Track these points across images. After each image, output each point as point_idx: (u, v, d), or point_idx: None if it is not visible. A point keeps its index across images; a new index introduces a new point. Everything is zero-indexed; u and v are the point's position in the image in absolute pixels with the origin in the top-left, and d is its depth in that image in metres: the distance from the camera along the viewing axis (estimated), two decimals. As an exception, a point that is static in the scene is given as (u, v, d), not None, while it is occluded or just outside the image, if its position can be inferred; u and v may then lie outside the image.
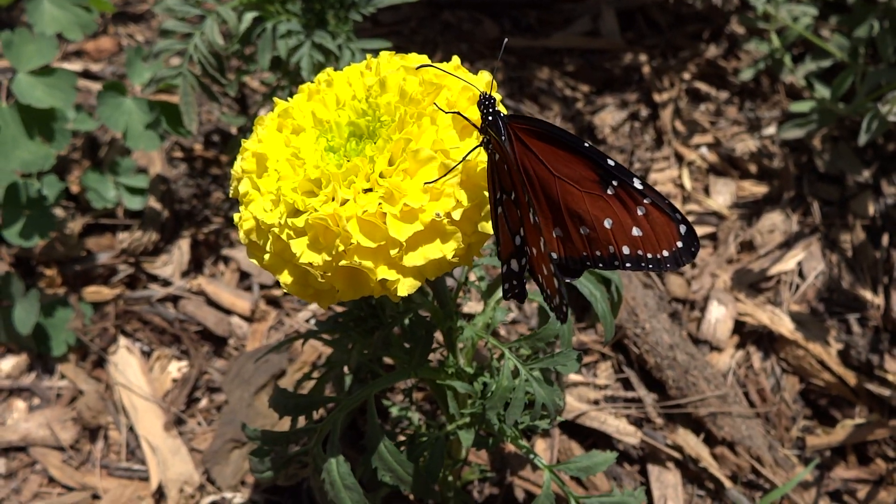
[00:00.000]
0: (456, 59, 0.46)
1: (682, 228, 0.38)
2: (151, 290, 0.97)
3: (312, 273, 0.40)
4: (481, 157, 0.41)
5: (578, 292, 0.94)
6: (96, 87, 1.18)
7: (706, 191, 1.14)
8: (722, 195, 1.13)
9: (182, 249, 1.01)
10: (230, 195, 0.47)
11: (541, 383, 0.53)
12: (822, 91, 1.09)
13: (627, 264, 0.39)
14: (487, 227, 0.42)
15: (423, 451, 0.55)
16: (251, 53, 0.93)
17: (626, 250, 0.39)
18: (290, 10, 0.87)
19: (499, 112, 0.39)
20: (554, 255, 0.40)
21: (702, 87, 1.29)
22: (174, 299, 0.97)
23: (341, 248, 0.39)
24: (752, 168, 1.16)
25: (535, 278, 0.42)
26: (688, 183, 1.14)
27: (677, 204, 1.12)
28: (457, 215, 0.40)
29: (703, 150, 1.19)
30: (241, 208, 0.44)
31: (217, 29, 0.83)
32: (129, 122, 0.88)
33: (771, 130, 1.21)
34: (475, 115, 0.41)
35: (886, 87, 1.01)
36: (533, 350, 0.58)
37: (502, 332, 0.91)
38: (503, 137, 0.38)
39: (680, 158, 1.18)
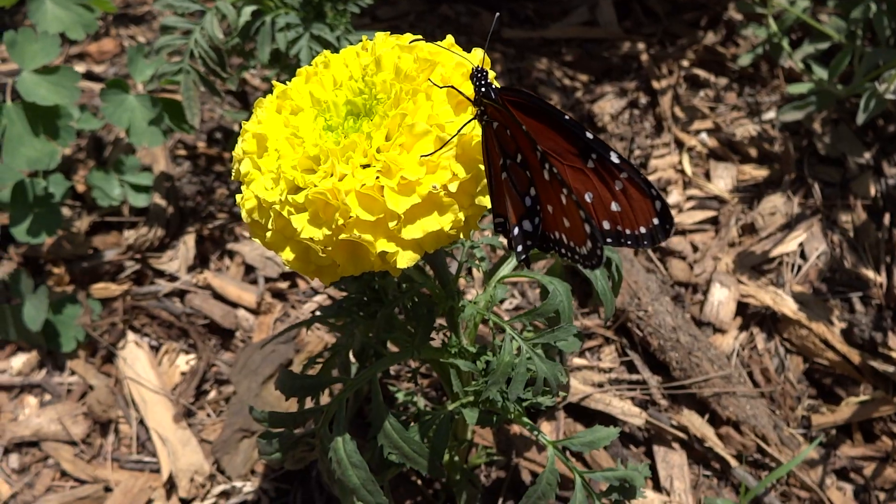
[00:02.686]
0: (450, 38, 0.46)
1: (658, 205, 0.38)
2: (158, 286, 0.98)
3: (313, 248, 0.41)
4: (476, 132, 0.42)
5: (581, 279, 0.94)
6: (99, 87, 1.20)
7: (707, 176, 1.14)
8: (723, 179, 1.13)
9: (187, 245, 1.02)
10: (232, 177, 0.48)
11: (542, 359, 0.54)
12: (820, 73, 1.09)
13: (608, 240, 0.39)
14: (485, 200, 0.42)
15: (429, 428, 0.56)
16: (251, 49, 0.94)
17: (606, 225, 0.39)
18: (288, 4, 0.88)
19: (491, 83, 0.40)
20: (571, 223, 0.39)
21: (700, 73, 1.30)
22: (181, 294, 0.98)
23: (341, 221, 0.40)
24: (753, 152, 1.17)
25: (549, 238, 0.42)
26: (688, 168, 1.15)
27: (678, 189, 1.12)
28: (453, 188, 0.40)
29: (703, 135, 1.20)
30: (243, 188, 0.45)
31: (216, 24, 0.84)
32: (132, 119, 0.89)
33: (770, 115, 1.21)
34: (469, 90, 0.41)
35: (884, 66, 1.02)
36: (534, 327, 0.59)
37: (505, 317, 0.92)
38: (501, 105, 0.39)
39: (680, 144, 1.18)
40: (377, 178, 0.40)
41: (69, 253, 1.00)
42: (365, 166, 0.41)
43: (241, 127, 1.17)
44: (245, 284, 0.99)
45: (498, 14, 0.45)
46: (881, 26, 1.09)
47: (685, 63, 1.32)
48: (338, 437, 0.53)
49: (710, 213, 1.09)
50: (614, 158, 0.38)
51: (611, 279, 0.62)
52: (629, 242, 0.39)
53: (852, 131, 1.19)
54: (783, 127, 1.19)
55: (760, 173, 1.14)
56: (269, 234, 0.43)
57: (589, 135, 0.39)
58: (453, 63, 0.43)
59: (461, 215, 0.41)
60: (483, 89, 0.39)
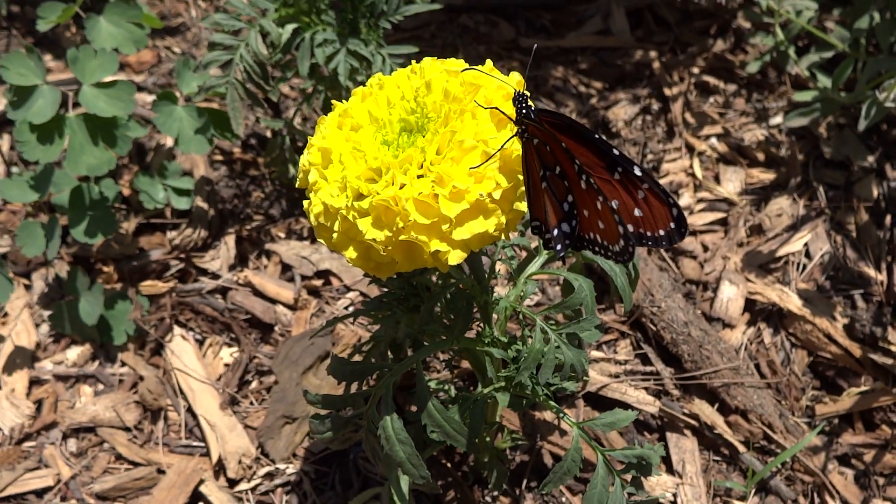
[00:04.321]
0: (489, 63, 0.53)
1: (675, 211, 0.45)
2: (202, 283, 1.05)
3: (375, 248, 0.47)
4: (515, 146, 0.48)
5: (597, 277, 1.00)
6: (140, 96, 1.27)
7: (716, 179, 1.20)
8: (732, 182, 1.19)
9: (228, 245, 1.09)
10: (297, 185, 0.55)
11: (569, 346, 0.60)
12: (824, 81, 1.14)
13: (631, 241, 0.46)
14: (522, 206, 0.49)
15: (466, 410, 0.62)
16: (287, 62, 1.01)
17: (630, 228, 0.46)
18: (324, 21, 0.94)
19: (530, 105, 0.46)
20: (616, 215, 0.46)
21: (710, 80, 1.35)
22: (223, 291, 1.05)
23: (400, 224, 0.46)
24: (760, 156, 1.22)
25: (584, 238, 0.48)
26: (699, 172, 1.21)
27: (689, 192, 1.18)
28: (497, 195, 0.47)
29: (713, 140, 1.26)
30: (311, 195, 0.51)
31: (260, 40, 0.91)
32: (180, 128, 0.96)
33: (778, 120, 1.27)
34: (510, 109, 0.48)
35: (886, 75, 1.07)
36: (555, 321, 0.65)
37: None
38: (539, 126, 0.45)
39: (691, 149, 1.24)
40: (432, 186, 0.46)
41: (117, 252, 1.07)
42: (420, 177, 0.48)
43: (273, 133, 1.23)
44: (282, 282, 1.05)
45: (536, 46, 0.51)
46: (884, 35, 1.14)
47: (696, 70, 1.38)
48: (386, 416, 0.60)
49: (719, 215, 1.15)
50: (637, 172, 0.45)
51: (628, 275, 0.68)
52: (650, 243, 0.46)
53: (857, 136, 1.25)
54: (790, 132, 1.25)
55: (768, 176, 1.20)
56: (335, 235, 0.49)
57: (616, 151, 0.45)
58: (495, 86, 0.49)
59: (503, 219, 0.47)
60: (524, 111, 0.46)
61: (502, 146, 0.47)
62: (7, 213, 1.16)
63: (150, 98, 1.29)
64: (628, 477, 0.67)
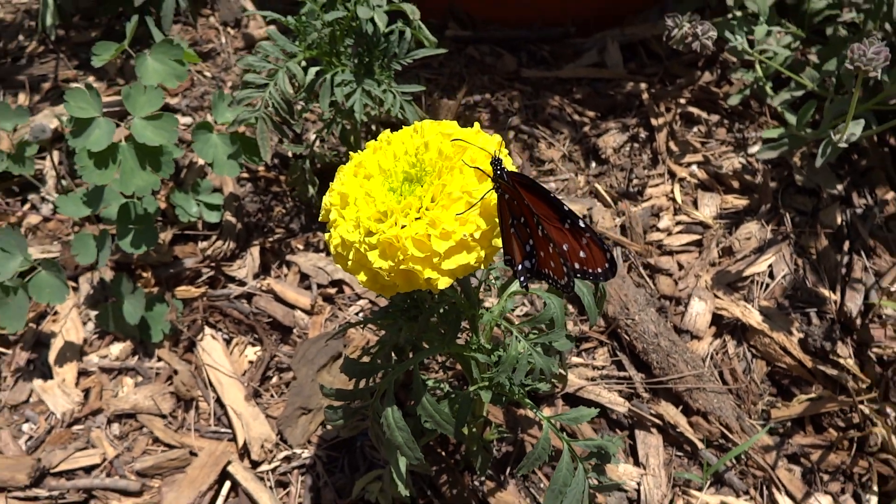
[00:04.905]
0: (477, 125, 0.65)
1: (608, 255, 0.57)
2: (230, 289, 1.18)
3: (381, 274, 0.60)
4: (493, 196, 0.61)
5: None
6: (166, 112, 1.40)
7: (695, 204, 1.32)
8: (708, 207, 1.31)
9: (253, 255, 1.22)
10: (320, 219, 0.68)
11: (540, 354, 0.73)
12: (791, 119, 1.27)
13: (577, 275, 0.59)
14: (498, 242, 0.61)
15: (455, 404, 0.75)
16: (310, 95, 1.14)
17: (576, 266, 0.58)
18: (343, 63, 1.08)
19: (504, 168, 0.59)
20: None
21: (695, 111, 1.48)
22: (248, 296, 1.18)
23: (401, 257, 0.59)
24: (735, 184, 1.35)
25: (543, 273, 0.61)
26: (679, 197, 1.33)
27: (669, 215, 1.31)
28: (477, 235, 0.59)
29: (694, 167, 1.38)
30: (331, 230, 0.64)
31: (287, 80, 1.04)
32: (215, 154, 1.09)
33: (755, 149, 1.39)
34: (489, 167, 0.61)
35: (841, 117, 1.19)
36: (538, 330, 0.78)
37: (516, 321, 1.11)
38: (510, 184, 0.58)
39: (673, 175, 1.36)
40: (426, 227, 0.59)
41: (155, 260, 1.21)
42: (417, 219, 0.60)
43: (295, 156, 1.37)
44: (301, 290, 1.19)
45: (515, 116, 0.64)
46: (848, 78, 1.26)
47: (682, 101, 1.50)
48: (388, 407, 0.73)
49: (695, 237, 1.27)
50: (581, 224, 0.57)
51: (594, 296, 0.81)
52: (591, 278, 0.58)
53: (827, 165, 1.37)
54: (766, 160, 1.37)
55: (741, 202, 1.32)
56: (349, 262, 0.62)
57: (566, 207, 0.58)
58: (480, 147, 0.62)
59: (482, 253, 0.60)
60: (499, 172, 0.58)
61: (482, 197, 0.60)
62: (55, 221, 1.30)
63: (184, 119, 1.43)
64: (591, 463, 0.79)
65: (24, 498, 1.00)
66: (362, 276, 0.62)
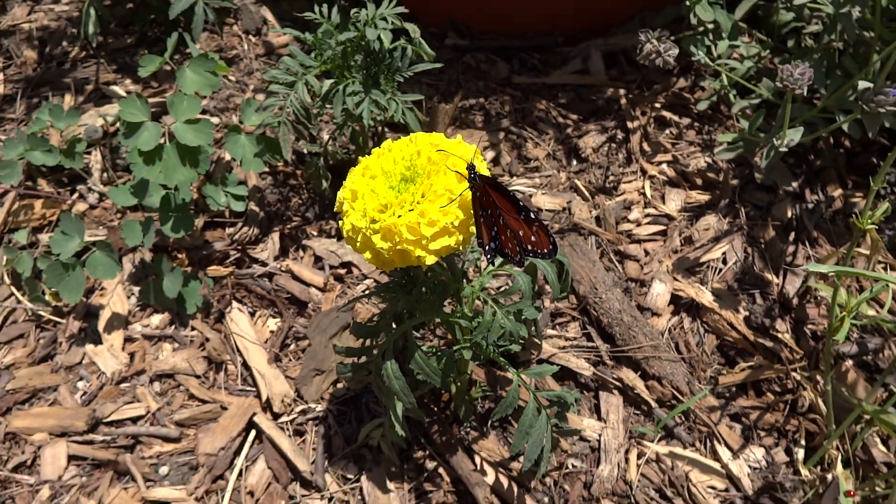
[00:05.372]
0: (459, 137, 0.83)
1: (551, 239, 0.75)
2: (254, 269, 1.37)
3: (382, 253, 0.78)
4: (468, 193, 0.79)
5: (557, 275, 1.31)
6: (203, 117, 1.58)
7: (662, 198, 1.50)
8: (674, 202, 1.49)
9: (273, 240, 1.41)
10: (334, 209, 0.86)
11: (510, 320, 0.91)
12: (744, 124, 1.44)
13: (529, 254, 0.76)
14: (472, 229, 0.79)
15: (442, 360, 0.93)
16: (325, 103, 1.32)
17: (528, 247, 0.76)
18: (353, 75, 1.25)
19: (477, 172, 0.77)
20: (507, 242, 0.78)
21: (668, 114, 1.64)
22: (269, 276, 1.36)
23: (397, 239, 0.77)
24: (699, 181, 1.52)
25: (504, 252, 0.79)
26: (649, 192, 1.50)
27: (639, 208, 1.48)
28: (456, 223, 0.77)
29: (664, 166, 1.55)
30: (344, 218, 0.82)
31: (305, 90, 1.22)
32: (243, 153, 1.27)
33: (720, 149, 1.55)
34: (465, 172, 0.78)
35: (795, 121, 1.36)
36: (506, 300, 0.96)
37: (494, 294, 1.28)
38: (481, 185, 0.76)
39: (644, 173, 1.54)
40: (417, 217, 0.77)
41: (189, 243, 1.39)
42: (410, 210, 0.78)
43: (310, 154, 1.55)
44: (315, 270, 1.37)
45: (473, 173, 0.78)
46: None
47: (657, 105, 1.67)
48: (387, 361, 0.91)
49: (660, 228, 1.44)
50: (532, 216, 0.75)
51: (560, 273, 0.99)
52: (539, 256, 0.76)
53: (784, 163, 1.54)
54: (729, 160, 1.54)
55: (704, 197, 1.49)
56: (358, 244, 0.80)
57: (521, 203, 0.76)
58: (459, 156, 0.80)
59: (460, 237, 0.78)
60: (473, 175, 0.76)
61: (460, 194, 0.77)
62: (100, 209, 1.49)
63: (212, 119, 1.61)
64: (553, 411, 0.97)
65: (82, 441, 1.19)
66: (368, 255, 0.80)
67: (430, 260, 0.78)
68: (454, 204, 0.78)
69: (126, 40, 1.79)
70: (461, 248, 0.80)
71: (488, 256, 0.79)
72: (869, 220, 0.92)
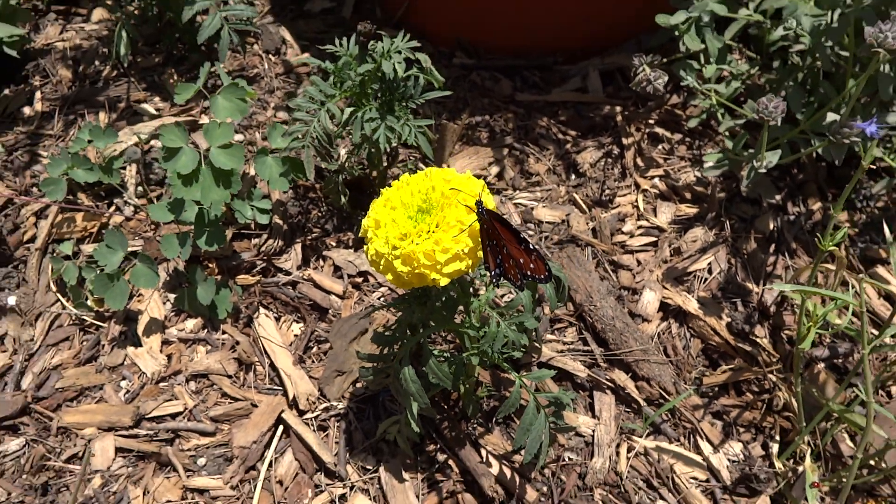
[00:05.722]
0: (468, 172, 0.95)
1: (547, 266, 0.87)
2: (278, 278, 1.49)
3: (402, 275, 0.91)
4: (476, 224, 0.91)
5: (555, 288, 1.43)
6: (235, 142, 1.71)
7: (654, 211, 1.62)
8: (665, 214, 1.61)
9: (296, 251, 1.53)
10: (359, 235, 0.98)
11: (513, 331, 1.03)
12: (729, 144, 1.55)
13: (528, 279, 0.89)
14: (480, 255, 0.92)
15: (452, 365, 1.06)
16: (345, 127, 1.44)
17: (527, 272, 0.89)
18: (370, 103, 1.38)
19: (485, 208, 0.89)
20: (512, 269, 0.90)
21: (660, 131, 1.76)
22: (293, 284, 1.49)
23: (415, 264, 0.89)
24: (688, 195, 1.64)
25: (507, 277, 0.92)
26: (641, 205, 1.62)
27: (633, 220, 1.60)
28: (466, 250, 0.89)
29: (656, 180, 1.67)
30: (368, 244, 0.94)
31: (327, 117, 1.34)
32: (271, 173, 1.40)
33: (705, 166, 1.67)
34: (474, 206, 0.91)
35: (777, 140, 1.48)
36: (519, 312, 1.08)
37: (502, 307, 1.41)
38: (487, 219, 0.88)
39: (638, 187, 1.66)
40: (433, 245, 0.90)
41: (219, 254, 1.52)
42: (426, 238, 0.91)
43: (328, 171, 1.67)
44: (335, 279, 1.50)
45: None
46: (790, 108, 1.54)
47: (651, 121, 1.79)
48: (405, 367, 1.04)
49: (652, 239, 1.56)
50: (531, 247, 0.88)
51: (558, 289, 1.11)
52: (537, 281, 0.89)
53: (769, 178, 1.66)
54: (717, 175, 1.66)
55: (692, 210, 1.61)
56: (381, 267, 0.93)
57: (522, 235, 0.88)
58: (468, 192, 0.92)
59: (470, 262, 0.91)
60: (480, 209, 0.89)
61: (469, 225, 0.90)
62: (136, 221, 1.61)
63: (236, 136, 1.74)
64: (551, 410, 1.10)
65: (128, 435, 1.32)
66: (389, 277, 0.93)
67: (444, 282, 0.90)
68: (464, 233, 0.90)
69: (154, 59, 1.91)
70: (470, 271, 0.92)
71: (493, 280, 0.91)
72: (831, 243, 1.04)
